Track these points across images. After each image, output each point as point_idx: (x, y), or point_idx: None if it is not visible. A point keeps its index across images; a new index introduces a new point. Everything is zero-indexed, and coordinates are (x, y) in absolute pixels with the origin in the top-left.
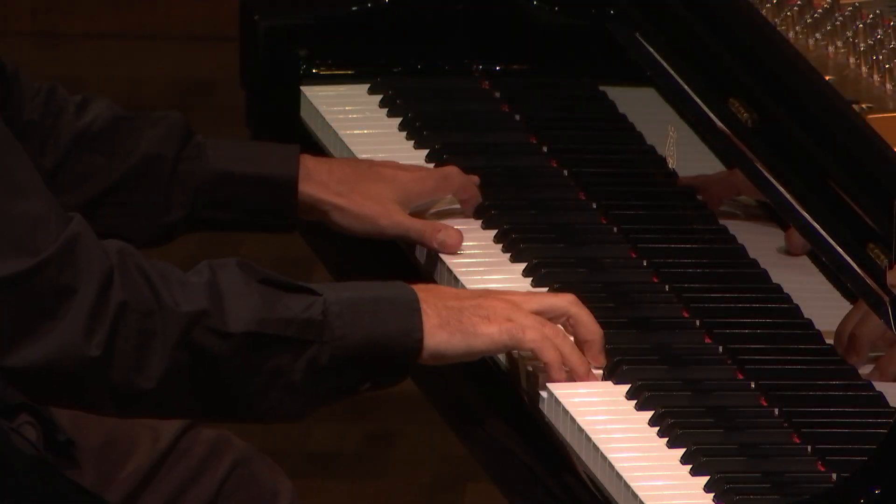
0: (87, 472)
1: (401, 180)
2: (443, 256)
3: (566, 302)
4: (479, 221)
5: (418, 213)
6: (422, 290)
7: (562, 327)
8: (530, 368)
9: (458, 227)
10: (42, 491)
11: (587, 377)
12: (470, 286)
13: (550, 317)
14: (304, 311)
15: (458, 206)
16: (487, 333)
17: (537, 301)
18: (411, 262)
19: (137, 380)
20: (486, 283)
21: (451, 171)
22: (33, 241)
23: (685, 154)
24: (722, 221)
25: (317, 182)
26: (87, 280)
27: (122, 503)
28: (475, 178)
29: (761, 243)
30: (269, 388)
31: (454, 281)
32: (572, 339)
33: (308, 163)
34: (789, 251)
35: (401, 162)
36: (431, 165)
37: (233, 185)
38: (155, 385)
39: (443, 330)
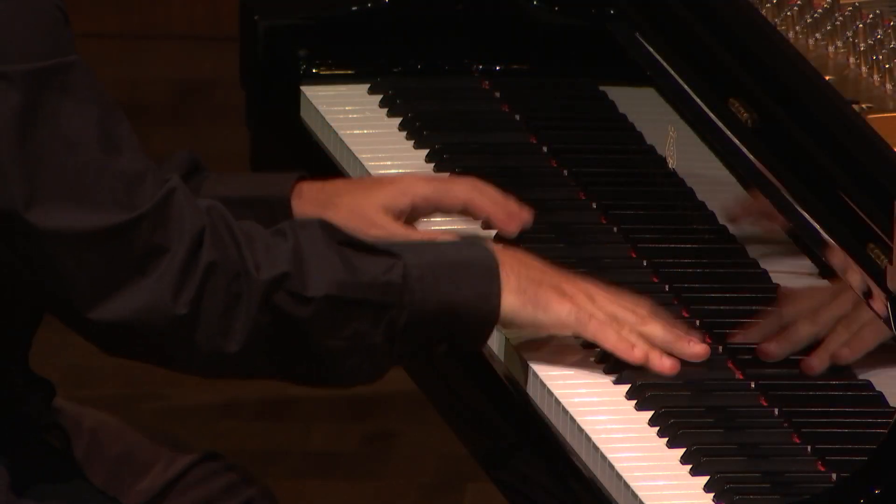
0: (97, 485)
1: (392, 187)
2: None
3: (638, 317)
4: (479, 221)
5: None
6: (507, 255)
7: (651, 317)
8: (531, 368)
9: (456, 221)
10: (61, 492)
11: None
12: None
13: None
14: (384, 273)
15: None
16: (556, 311)
17: (618, 304)
18: None
19: (222, 341)
20: None
21: (457, 183)
22: (130, 197)
23: (685, 154)
24: (722, 222)
25: (306, 199)
26: (178, 239)
27: None
28: (495, 197)
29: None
30: (350, 351)
31: None
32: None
33: (303, 185)
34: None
35: (406, 164)
36: (431, 165)
37: (230, 209)
38: (238, 347)
39: (517, 296)
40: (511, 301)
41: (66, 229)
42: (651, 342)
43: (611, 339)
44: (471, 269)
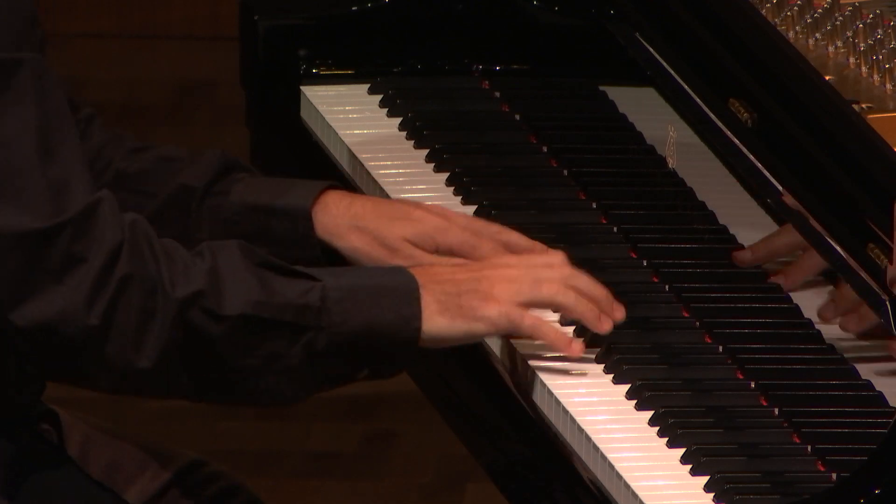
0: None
1: (424, 224)
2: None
3: (558, 256)
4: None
5: None
6: (421, 274)
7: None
8: (531, 368)
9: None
10: (57, 483)
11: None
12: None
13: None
14: (301, 295)
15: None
16: (486, 316)
17: (535, 258)
18: None
19: (134, 356)
20: None
21: (486, 243)
22: (56, 203)
23: (685, 154)
24: (722, 222)
25: (331, 216)
26: (97, 250)
27: None
28: (516, 240)
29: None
30: (265, 371)
31: None
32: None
33: (329, 196)
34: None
35: (406, 164)
36: (432, 165)
37: (255, 217)
38: (151, 364)
39: (442, 316)
40: (439, 322)
41: None
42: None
43: (549, 333)
44: (391, 293)
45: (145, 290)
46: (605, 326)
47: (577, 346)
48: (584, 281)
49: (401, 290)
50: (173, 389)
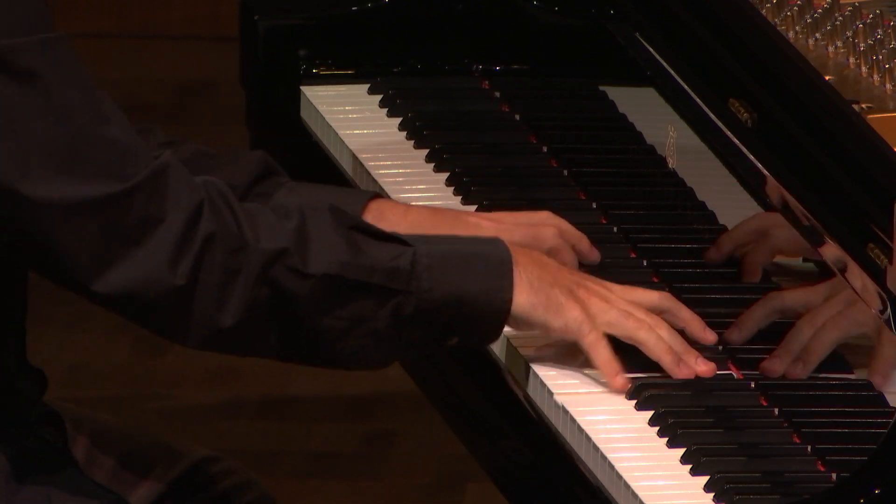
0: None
1: (485, 229)
2: None
3: (659, 298)
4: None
5: None
6: (523, 254)
7: (664, 323)
8: (531, 368)
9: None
10: (59, 485)
11: (681, 368)
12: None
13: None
14: (391, 259)
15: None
16: (566, 316)
17: (632, 294)
18: None
19: (218, 315)
20: None
21: (546, 229)
22: (123, 168)
23: (685, 154)
24: (722, 222)
25: (390, 222)
26: (174, 209)
27: None
28: (575, 234)
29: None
30: (350, 333)
31: None
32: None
33: (383, 204)
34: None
35: (405, 164)
36: (432, 165)
37: None
38: (234, 322)
39: (529, 296)
40: (524, 300)
41: (60, 200)
42: (675, 321)
43: (602, 356)
44: (483, 262)
45: (229, 249)
46: (682, 372)
47: (621, 381)
48: (670, 333)
49: (493, 260)
50: (258, 348)
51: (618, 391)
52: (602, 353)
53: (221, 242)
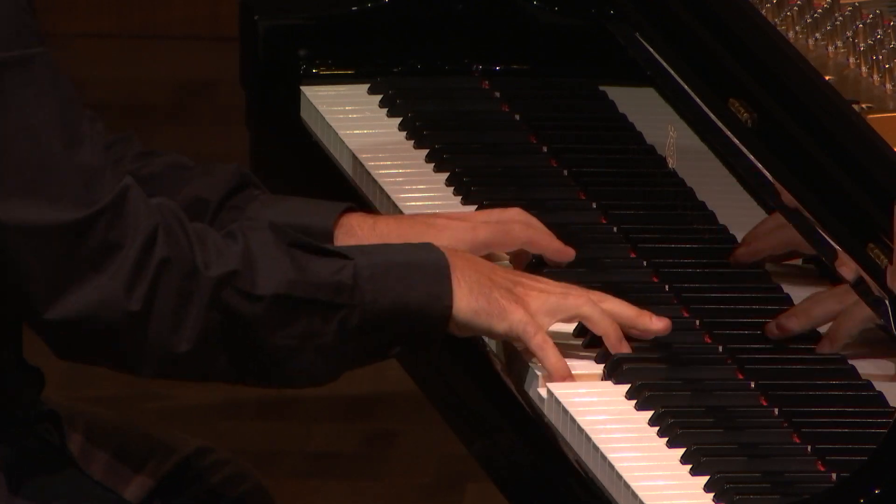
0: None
1: (451, 229)
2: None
3: (598, 294)
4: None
5: None
6: (457, 257)
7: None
8: (531, 368)
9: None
10: (59, 485)
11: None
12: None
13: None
14: (334, 273)
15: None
16: (510, 318)
17: (569, 289)
18: None
19: (174, 339)
20: None
21: (515, 226)
22: (88, 192)
23: (685, 154)
24: (722, 222)
25: (358, 237)
26: (132, 235)
27: None
28: (545, 233)
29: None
30: (300, 350)
31: None
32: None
33: (353, 219)
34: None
35: (405, 164)
36: (432, 165)
37: None
38: (189, 346)
39: (470, 301)
40: (464, 306)
41: (24, 223)
42: (615, 318)
43: (551, 358)
44: (422, 269)
45: (183, 273)
46: (623, 348)
47: (572, 380)
48: (614, 303)
49: (431, 267)
50: (212, 372)
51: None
52: (550, 355)
53: (176, 267)
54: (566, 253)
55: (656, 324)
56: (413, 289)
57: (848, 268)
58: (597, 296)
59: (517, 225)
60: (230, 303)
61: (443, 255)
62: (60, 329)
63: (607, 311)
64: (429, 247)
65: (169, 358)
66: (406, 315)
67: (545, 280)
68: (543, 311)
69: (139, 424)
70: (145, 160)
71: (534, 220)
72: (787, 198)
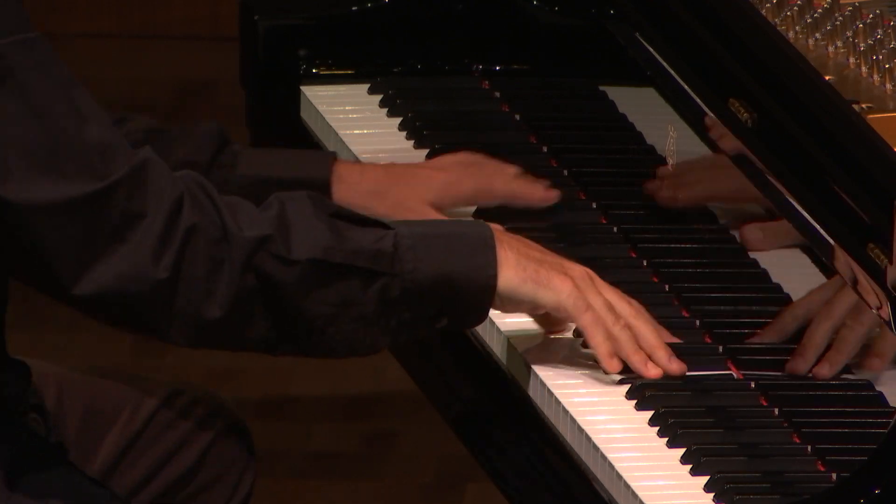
0: (69, 445)
1: (436, 180)
2: None
3: (634, 310)
4: (480, 220)
5: None
6: (506, 234)
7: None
8: (531, 368)
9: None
10: (54, 481)
11: (647, 370)
12: None
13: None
14: (374, 242)
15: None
16: (558, 289)
17: (615, 292)
18: None
19: (205, 306)
20: None
21: (497, 177)
22: (103, 165)
23: (685, 154)
24: (722, 222)
25: (348, 185)
26: (156, 204)
27: (104, 473)
28: (529, 180)
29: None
30: (338, 318)
31: None
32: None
33: (340, 168)
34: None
35: (401, 161)
36: None
37: (265, 191)
38: (223, 313)
39: (516, 272)
40: (510, 276)
41: (41, 201)
42: (637, 338)
43: (597, 338)
44: (465, 240)
45: (212, 239)
46: (650, 372)
47: (616, 364)
48: (644, 325)
49: (475, 238)
50: (247, 340)
51: (612, 373)
52: (598, 334)
53: (204, 233)
54: (550, 196)
55: (672, 365)
56: (456, 259)
57: (848, 268)
58: (636, 311)
59: (499, 179)
60: (264, 267)
61: (487, 228)
62: (91, 303)
63: (634, 327)
64: (475, 221)
65: (201, 324)
66: (449, 285)
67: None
68: (588, 295)
69: (110, 372)
70: (124, 126)
71: (514, 169)
72: (787, 198)
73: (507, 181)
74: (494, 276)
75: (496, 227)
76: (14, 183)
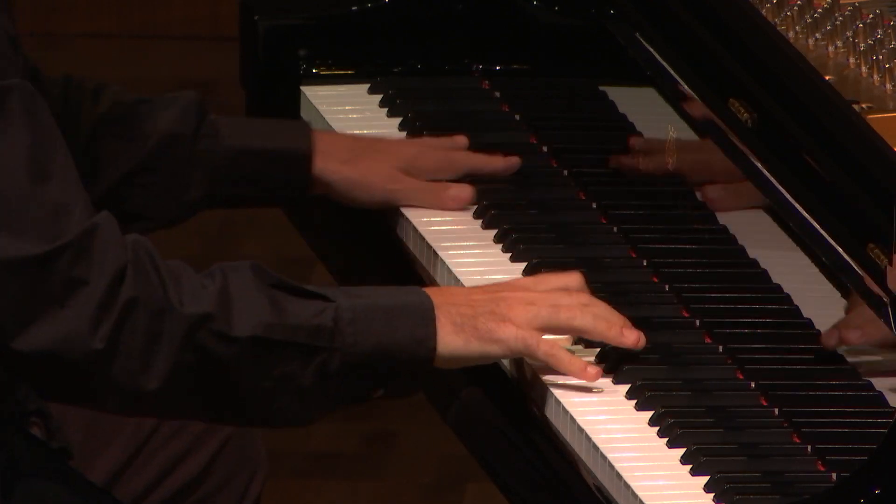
0: (73, 450)
1: (404, 152)
2: (442, 257)
3: (576, 276)
4: (479, 221)
5: None
6: (436, 295)
7: (591, 298)
8: (531, 368)
9: (454, 220)
10: (51, 487)
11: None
12: (469, 286)
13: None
14: (314, 316)
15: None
16: (502, 339)
17: (547, 282)
18: (409, 263)
19: (141, 378)
20: (485, 283)
21: (460, 141)
22: (53, 227)
23: (685, 154)
24: (722, 222)
25: (321, 152)
26: (99, 273)
27: (110, 479)
28: (482, 157)
29: (762, 242)
30: (277, 393)
31: (454, 280)
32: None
33: (315, 137)
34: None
35: None
36: None
37: (251, 161)
38: (159, 385)
39: (458, 337)
40: (454, 343)
41: None
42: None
43: (562, 364)
44: (405, 312)
45: (151, 312)
46: (629, 338)
47: (593, 371)
48: (602, 307)
49: (415, 310)
50: (185, 411)
51: (594, 381)
52: (562, 358)
53: (144, 306)
54: (512, 162)
55: (628, 337)
56: (396, 332)
57: (848, 267)
58: (584, 298)
59: (459, 153)
60: (205, 344)
61: (427, 297)
62: (29, 362)
63: (598, 314)
64: (413, 290)
65: (138, 396)
66: (389, 359)
67: (524, 283)
68: (534, 326)
69: None
70: (102, 100)
71: (464, 143)
72: (787, 198)
73: (468, 154)
74: (433, 350)
75: (432, 291)
76: None
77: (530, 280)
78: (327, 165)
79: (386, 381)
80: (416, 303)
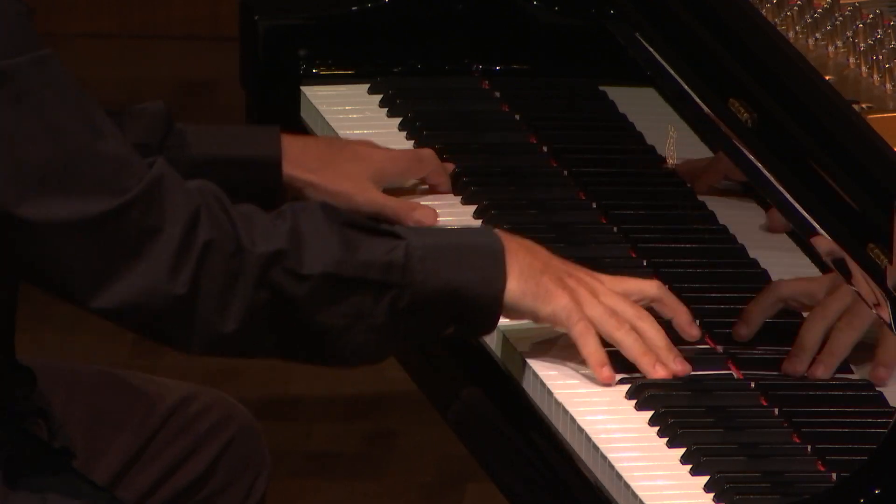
0: (76, 450)
1: (375, 158)
2: None
3: (649, 287)
4: (479, 221)
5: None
6: (513, 242)
7: (649, 317)
8: (531, 368)
9: (454, 220)
10: (51, 487)
11: (656, 371)
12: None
13: (636, 300)
14: (385, 253)
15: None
16: (554, 302)
17: (622, 284)
18: None
19: (220, 320)
20: None
21: (426, 153)
22: (119, 181)
23: (685, 154)
24: (722, 222)
25: (291, 159)
26: (172, 219)
27: (113, 479)
28: (449, 166)
29: (762, 242)
30: (350, 329)
31: None
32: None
33: (283, 141)
34: (770, 229)
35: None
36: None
37: (218, 170)
38: (236, 326)
39: (519, 284)
40: (514, 288)
41: (59, 220)
42: (643, 340)
43: (588, 347)
44: (475, 252)
45: (227, 253)
46: (659, 373)
47: (607, 373)
48: (652, 332)
49: (485, 250)
50: (260, 350)
51: (604, 383)
52: (590, 343)
53: (220, 248)
54: (446, 189)
55: (676, 365)
56: (465, 272)
57: (848, 268)
58: (639, 313)
59: (423, 165)
60: (277, 282)
61: (498, 239)
62: (111, 317)
63: (638, 329)
64: (486, 230)
65: (216, 337)
66: (457, 298)
67: (600, 276)
68: (586, 312)
69: (120, 375)
70: None
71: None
72: (787, 198)
73: (432, 158)
74: (502, 290)
75: (504, 235)
76: (31, 203)
77: (608, 277)
78: (295, 173)
79: (456, 320)
80: (486, 243)
